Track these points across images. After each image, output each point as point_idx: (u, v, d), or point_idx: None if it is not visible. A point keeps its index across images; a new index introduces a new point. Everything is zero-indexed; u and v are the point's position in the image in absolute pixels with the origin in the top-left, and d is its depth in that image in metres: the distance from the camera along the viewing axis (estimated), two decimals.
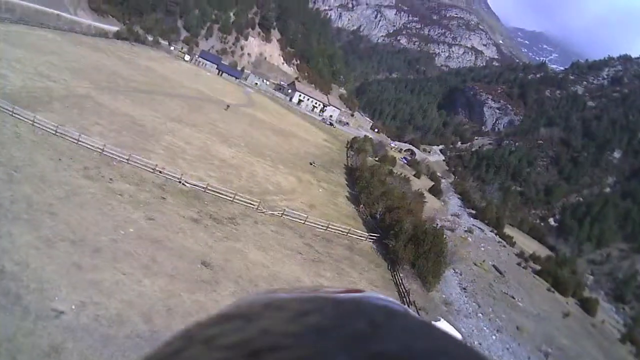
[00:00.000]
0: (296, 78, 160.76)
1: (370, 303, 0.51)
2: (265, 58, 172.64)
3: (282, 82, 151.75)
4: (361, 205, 48.24)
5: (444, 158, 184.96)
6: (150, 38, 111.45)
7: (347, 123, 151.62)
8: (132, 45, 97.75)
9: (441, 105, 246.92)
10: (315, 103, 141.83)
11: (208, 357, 0.40)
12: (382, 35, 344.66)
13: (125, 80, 58.09)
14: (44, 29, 71.56)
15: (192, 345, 0.42)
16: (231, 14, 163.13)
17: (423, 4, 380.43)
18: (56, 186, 24.16)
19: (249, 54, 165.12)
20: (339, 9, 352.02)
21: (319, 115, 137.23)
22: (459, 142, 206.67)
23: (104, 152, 31.26)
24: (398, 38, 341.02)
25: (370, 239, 40.08)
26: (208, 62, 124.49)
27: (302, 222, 36.61)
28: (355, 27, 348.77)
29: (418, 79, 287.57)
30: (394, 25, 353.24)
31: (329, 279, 29.38)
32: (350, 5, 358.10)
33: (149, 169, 32.29)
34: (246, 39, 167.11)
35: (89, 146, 31.08)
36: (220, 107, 70.19)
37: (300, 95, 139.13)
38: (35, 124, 30.49)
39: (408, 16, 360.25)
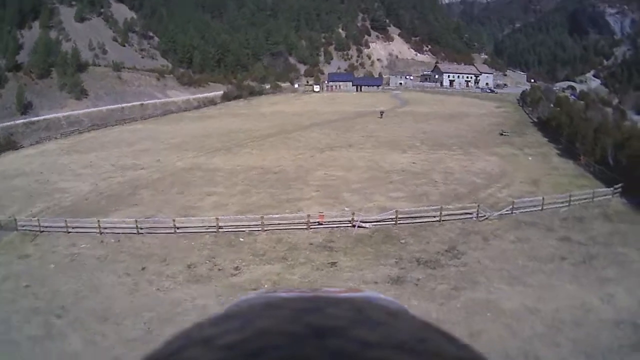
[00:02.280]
0: (436, 62, 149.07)
1: (370, 303, 0.51)
2: (397, 56, 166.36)
3: (424, 72, 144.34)
4: (580, 157, 38.80)
5: (600, 81, 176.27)
6: (267, 86, 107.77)
7: (505, 84, 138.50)
8: (249, 100, 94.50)
9: (570, 33, 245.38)
10: (467, 77, 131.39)
11: (208, 357, 0.39)
12: None
13: (246, 132, 52.38)
14: (128, 123, 69.36)
15: (192, 345, 0.42)
16: (339, 30, 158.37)
17: None
18: (136, 319, 15.88)
19: (378, 59, 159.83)
20: None
21: (476, 87, 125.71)
22: (604, 61, 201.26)
23: (220, 230, 22.96)
24: None
25: (615, 193, 29.68)
26: (341, 83, 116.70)
27: (539, 208, 26.27)
28: None
29: (539, 18, 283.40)
30: None
31: None
32: None
33: (298, 226, 23.47)
34: (368, 47, 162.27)
35: (194, 230, 23.20)
36: (374, 118, 61.53)
37: (448, 76, 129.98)
38: (102, 232, 23.14)
39: None
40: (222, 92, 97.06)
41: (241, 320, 0.44)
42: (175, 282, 18.55)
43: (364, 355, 0.38)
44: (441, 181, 31.66)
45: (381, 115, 62.10)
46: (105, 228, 23.29)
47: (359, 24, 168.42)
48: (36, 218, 25.09)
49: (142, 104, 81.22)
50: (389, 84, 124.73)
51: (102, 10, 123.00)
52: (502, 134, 50.12)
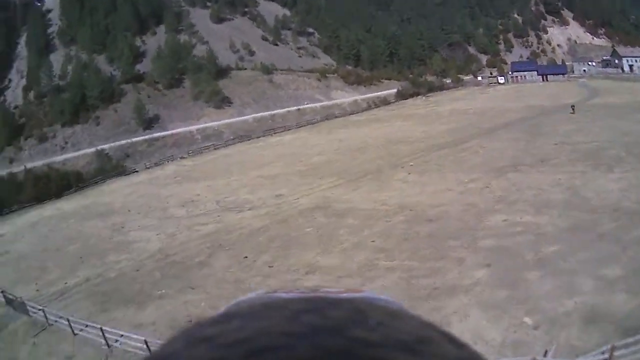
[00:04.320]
0: (612, 46, 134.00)
1: (370, 303, 0.51)
2: (575, 41, 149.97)
3: (604, 57, 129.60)
4: None
5: None
6: (448, 80, 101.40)
7: None
8: (427, 97, 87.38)
9: None
10: None
11: (208, 356, 0.38)
12: None
13: (412, 142, 44.84)
14: (278, 134, 64.00)
15: (192, 344, 0.41)
16: (515, 16, 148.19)
17: None
18: None
19: (558, 45, 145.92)
20: None
21: None
22: None
23: None
24: None
25: None
26: (526, 73, 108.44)
27: None
28: None
29: None
30: None
31: None
32: None
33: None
34: (546, 32, 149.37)
35: None
36: (565, 114, 50.90)
37: (627, 61, 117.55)
38: (110, 344, 16.70)
39: None
40: (396, 90, 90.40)
41: (241, 320, 0.44)
42: None
43: (364, 356, 0.37)
44: None
45: (573, 110, 51.83)
46: (116, 340, 16.68)
47: (532, 8, 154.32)
48: (40, 308, 19.49)
49: (299, 109, 76.72)
50: (573, 71, 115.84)
51: (246, 9, 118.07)
52: None
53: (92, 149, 56.06)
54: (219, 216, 30.07)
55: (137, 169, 53.70)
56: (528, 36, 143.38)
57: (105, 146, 57.50)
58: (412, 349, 0.40)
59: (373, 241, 22.25)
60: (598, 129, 41.57)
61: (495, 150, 37.53)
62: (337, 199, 29.99)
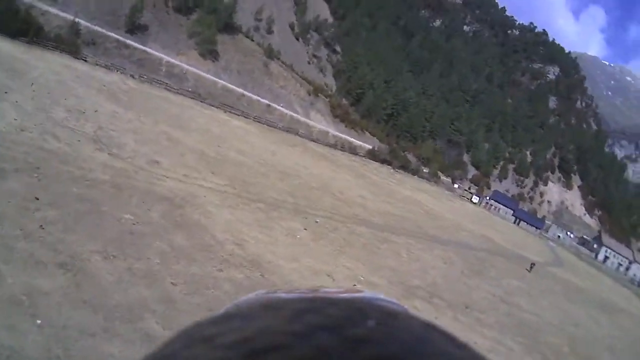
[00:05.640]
0: (599, 231, 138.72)
1: (370, 303, 0.50)
2: (567, 207, 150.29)
3: (584, 236, 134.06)
4: None
5: None
6: (425, 170, 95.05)
7: None
8: (395, 172, 79.96)
9: None
10: (621, 260, 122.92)
11: (208, 356, 0.38)
12: None
13: (338, 200, 35.51)
14: (229, 113, 56.23)
15: (192, 344, 0.41)
16: (527, 153, 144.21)
17: None
18: None
19: (548, 201, 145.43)
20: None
21: (626, 273, 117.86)
22: None
23: None
24: None
25: None
26: (502, 207, 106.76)
27: None
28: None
29: None
30: None
31: None
32: (634, 157, 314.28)
33: None
34: (545, 184, 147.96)
35: None
36: (519, 268, 43.19)
37: (606, 251, 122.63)
38: None
39: None
40: (371, 147, 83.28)
41: (241, 320, 0.43)
42: None
43: (363, 356, 0.37)
44: None
45: (530, 268, 44.15)
46: None
47: (547, 156, 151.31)
48: None
49: (269, 105, 67.92)
50: (548, 231, 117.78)
51: None
52: None
53: (71, 18, 48.59)
54: (79, 141, 21.03)
55: (87, 59, 46.12)
56: (527, 177, 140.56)
57: (84, 23, 49.68)
58: (413, 348, 0.39)
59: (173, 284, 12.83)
60: (547, 303, 33.61)
61: (420, 262, 28.37)
62: (203, 203, 20.43)
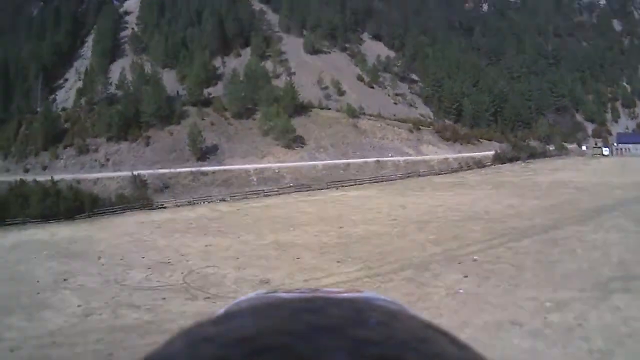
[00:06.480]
0: None
1: (370, 303, 0.50)
2: None
3: None
4: None
5: None
6: (551, 147, 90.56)
7: None
8: (527, 163, 75.66)
9: None
10: None
11: (208, 356, 0.38)
12: None
13: (488, 221, 31.83)
14: (341, 188, 52.69)
15: (192, 344, 0.41)
16: (624, 84, 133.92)
17: None
18: None
19: None
20: None
21: None
22: None
23: None
24: None
25: None
26: (630, 145, 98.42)
27: None
28: None
29: None
30: None
31: None
32: None
33: None
34: None
35: None
36: None
37: None
38: None
39: None
40: (494, 151, 78.87)
41: (241, 320, 0.43)
42: None
43: (364, 356, 0.37)
44: None
45: None
46: None
47: None
48: None
49: (378, 161, 65.71)
50: None
51: (347, 45, 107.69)
52: None
53: (129, 174, 49.00)
54: (164, 299, 19.97)
55: (165, 205, 44.99)
56: (635, 107, 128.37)
57: (146, 172, 49.62)
58: (413, 349, 0.39)
59: None
60: None
61: (597, 248, 23.98)
62: None
